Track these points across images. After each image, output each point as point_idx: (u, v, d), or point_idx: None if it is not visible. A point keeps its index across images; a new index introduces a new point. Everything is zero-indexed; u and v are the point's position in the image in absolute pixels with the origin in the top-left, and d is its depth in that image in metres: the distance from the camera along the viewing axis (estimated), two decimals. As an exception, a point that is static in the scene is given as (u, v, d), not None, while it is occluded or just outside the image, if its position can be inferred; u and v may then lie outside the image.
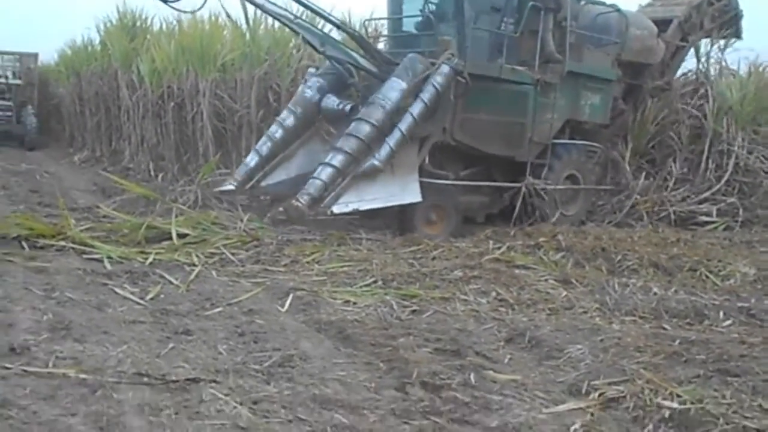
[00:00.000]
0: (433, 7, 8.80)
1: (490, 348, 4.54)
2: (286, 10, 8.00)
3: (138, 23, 15.92)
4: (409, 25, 9.35)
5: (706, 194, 9.72)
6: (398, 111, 7.60)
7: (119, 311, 4.78)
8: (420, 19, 9.03)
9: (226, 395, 3.46)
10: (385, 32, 10.30)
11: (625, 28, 9.65)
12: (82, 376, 3.46)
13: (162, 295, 5.26)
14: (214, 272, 6.04)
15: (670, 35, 10.41)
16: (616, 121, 10.15)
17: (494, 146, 8.56)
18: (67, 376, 3.45)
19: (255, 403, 3.46)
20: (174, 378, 3.60)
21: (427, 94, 7.69)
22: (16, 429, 2.86)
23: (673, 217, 9.25)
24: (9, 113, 18.53)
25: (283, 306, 5.22)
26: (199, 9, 7.72)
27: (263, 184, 8.50)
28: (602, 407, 3.66)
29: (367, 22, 10.44)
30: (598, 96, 9.57)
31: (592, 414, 3.56)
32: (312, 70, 9.16)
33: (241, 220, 7.48)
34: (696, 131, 10.41)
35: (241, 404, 3.39)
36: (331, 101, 8.43)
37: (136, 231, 6.84)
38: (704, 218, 9.39)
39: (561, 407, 3.65)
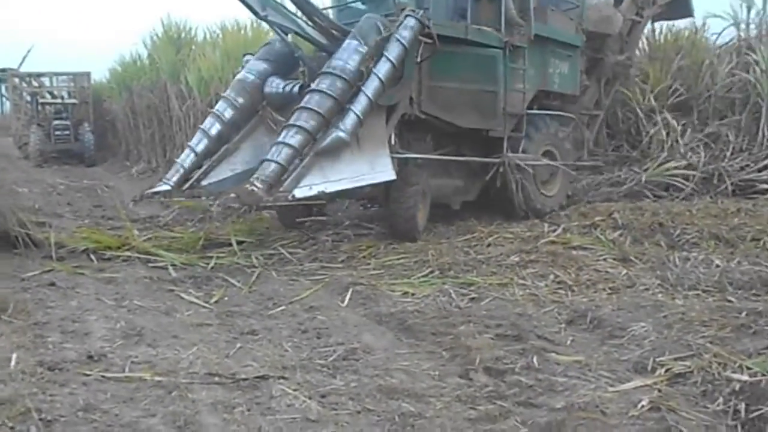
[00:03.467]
0: None
1: (551, 331, 4.54)
2: None
3: (183, 35, 16.34)
4: None
5: (766, 162, 9.39)
6: (358, 78, 6.58)
7: (186, 315, 4.94)
8: None
9: (294, 390, 3.56)
10: (327, 3, 9.09)
11: None
12: (158, 378, 3.60)
13: (226, 298, 5.42)
14: (274, 272, 6.17)
15: (626, 9, 10.01)
16: (582, 99, 9.64)
17: (467, 118, 7.59)
18: (143, 379, 3.59)
19: (323, 396, 3.54)
20: (244, 376, 3.71)
21: (392, 52, 6.67)
22: (101, 431, 3.01)
23: (731, 188, 8.92)
24: (67, 132, 19.21)
25: (343, 301, 5.31)
26: None
27: (204, 183, 7.44)
28: (669, 383, 3.63)
29: None
30: (567, 64, 8.96)
31: (659, 390, 3.53)
32: (248, 56, 8.13)
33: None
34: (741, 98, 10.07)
35: (309, 398, 3.48)
36: (275, 84, 7.50)
37: (196, 240, 7.05)
38: (765, 186, 9.09)
39: (627, 385, 3.63)
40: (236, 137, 7.55)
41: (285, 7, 7.00)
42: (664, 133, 9.71)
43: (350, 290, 5.51)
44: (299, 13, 7.29)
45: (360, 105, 6.46)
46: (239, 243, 6.94)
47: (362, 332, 4.61)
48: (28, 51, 20.99)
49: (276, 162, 6.22)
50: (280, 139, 6.38)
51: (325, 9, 7.74)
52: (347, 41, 6.67)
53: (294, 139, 6.33)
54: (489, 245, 6.71)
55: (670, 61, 10.52)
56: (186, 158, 7.48)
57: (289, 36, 7.34)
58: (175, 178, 7.32)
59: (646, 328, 4.40)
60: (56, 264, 5.96)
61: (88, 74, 20.85)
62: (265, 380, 3.68)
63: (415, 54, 6.86)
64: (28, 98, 20.56)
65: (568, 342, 4.35)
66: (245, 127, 7.61)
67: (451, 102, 7.38)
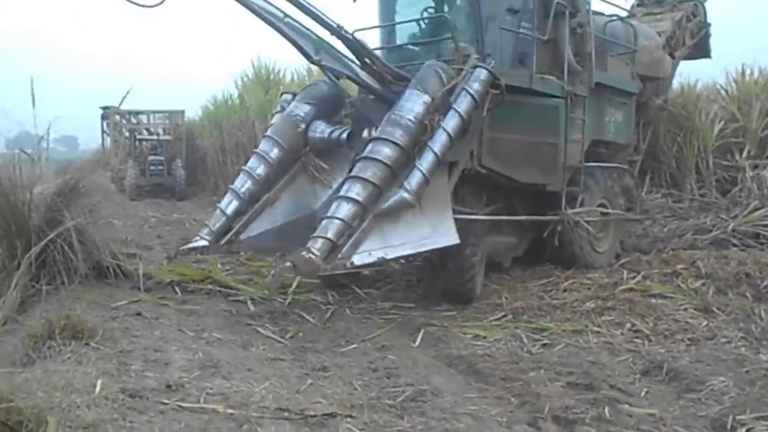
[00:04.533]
0: (435, 11, 7.42)
1: (625, 381, 4.44)
2: (273, 5, 6.01)
3: (272, 76, 17.00)
4: (404, 37, 7.86)
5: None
6: (421, 132, 5.99)
7: (262, 349, 5.08)
8: (418, 29, 7.67)
9: (361, 430, 3.61)
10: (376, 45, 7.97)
11: (634, 37, 8.73)
12: (230, 411, 3.72)
13: (300, 334, 5.54)
14: (347, 310, 6.28)
15: None
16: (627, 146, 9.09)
17: (527, 173, 7.03)
18: (216, 411, 3.72)
19: (389, 437, 3.58)
20: (312, 413, 3.79)
21: (462, 105, 6.05)
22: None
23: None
24: (161, 167, 20.15)
25: (414, 341, 5.35)
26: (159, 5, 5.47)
27: (243, 236, 6.76)
28: (748, 443, 3.49)
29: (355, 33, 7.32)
30: (621, 112, 8.49)
31: (737, 450, 3.40)
32: (287, 96, 7.60)
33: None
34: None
35: (375, 438, 3.52)
36: (321, 129, 6.95)
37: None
38: None
39: (703, 443, 3.52)
40: (277, 185, 6.93)
41: (338, 51, 6.48)
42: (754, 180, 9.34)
43: (422, 331, 5.54)
44: (351, 56, 6.72)
45: (426, 162, 5.84)
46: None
47: (432, 374, 4.63)
48: (127, 92, 22.15)
49: (339, 219, 5.59)
50: (342, 192, 5.76)
51: (374, 50, 6.98)
52: (408, 91, 6.13)
53: (358, 192, 5.70)
54: (565, 290, 6.62)
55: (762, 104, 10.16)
56: (229, 204, 6.83)
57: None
58: (215, 228, 6.70)
59: (727, 383, 4.25)
60: (143, 295, 6.24)
61: (182, 112, 21.86)
62: (333, 418, 3.75)
63: (484, 106, 6.29)
64: (127, 134, 21.73)
65: (643, 394, 4.24)
66: (287, 175, 6.99)
67: (511, 155, 6.85)
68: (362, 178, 5.74)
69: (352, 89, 7.62)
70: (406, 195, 5.73)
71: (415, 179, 5.78)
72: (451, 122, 5.99)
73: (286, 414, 3.75)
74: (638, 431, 3.69)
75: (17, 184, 6.22)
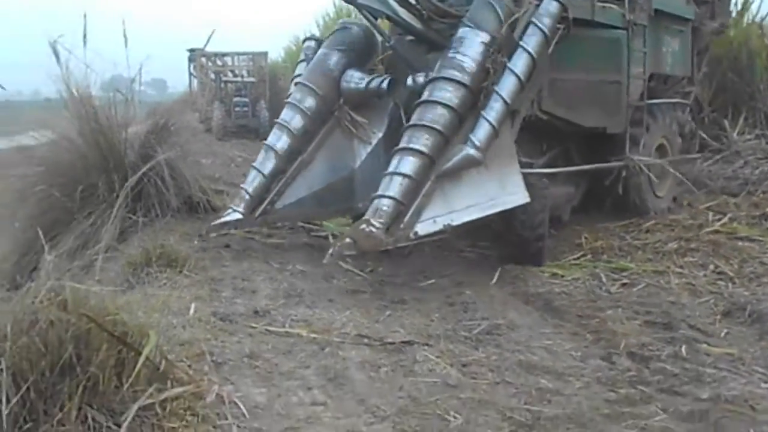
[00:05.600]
0: None
1: (705, 322, 4.40)
2: None
3: (353, 15, 16.92)
4: None
5: None
6: (482, 78, 5.23)
7: (343, 282, 5.27)
8: None
9: (437, 357, 3.75)
10: None
11: None
12: (313, 335, 3.94)
13: (380, 268, 5.69)
14: (425, 247, 6.37)
15: None
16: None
17: (590, 116, 6.30)
18: (300, 335, 3.95)
19: (464, 365, 3.71)
20: (390, 340, 3.96)
21: (531, 42, 5.31)
22: (262, 377, 3.37)
23: None
24: (246, 108, 20.58)
25: (491, 279, 5.41)
26: None
27: (279, 205, 6.07)
28: (832, 385, 3.43)
29: None
30: (678, 40, 7.60)
31: (819, 391, 3.36)
32: (310, 42, 6.84)
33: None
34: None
35: (451, 366, 3.66)
36: (356, 78, 6.16)
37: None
38: None
39: (783, 383, 3.48)
40: (311, 144, 6.17)
41: None
42: None
43: (499, 269, 5.58)
44: None
45: (494, 112, 5.13)
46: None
47: (508, 309, 4.71)
48: (212, 32, 22.51)
49: (390, 197, 4.93)
50: (391, 168, 5.07)
51: None
52: (462, 29, 5.37)
53: (409, 166, 5.01)
54: (647, 231, 6.49)
55: None
56: (265, 162, 6.10)
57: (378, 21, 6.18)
58: (243, 204, 5.96)
59: (813, 325, 4.14)
60: (231, 228, 6.53)
61: (265, 54, 22.09)
62: (410, 345, 3.91)
63: (552, 43, 5.55)
64: (213, 77, 22.22)
65: (722, 334, 4.20)
66: (320, 133, 6.22)
67: (573, 97, 6.08)
68: (412, 149, 5.04)
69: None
70: (472, 151, 5.02)
71: (482, 131, 5.08)
72: (519, 63, 5.27)
73: (365, 340, 3.94)
74: (716, 369, 3.66)
75: (114, 124, 6.57)
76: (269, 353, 3.66)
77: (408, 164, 5.01)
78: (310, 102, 6.12)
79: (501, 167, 5.23)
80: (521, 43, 5.32)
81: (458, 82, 5.16)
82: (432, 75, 5.33)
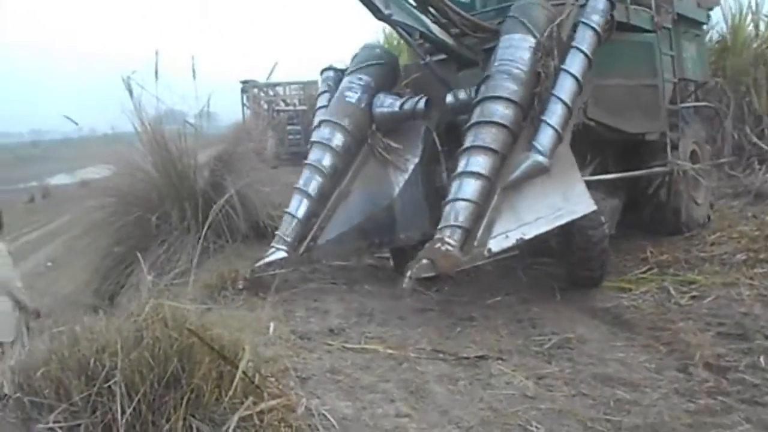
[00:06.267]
0: None
1: (781, 332, 4.34)
2: None
3: (400, 42, 17.16)
4: None
5: None
6: (535, 84, 5.08)
7: (410, 301, 5.36)
8: None
9: (512, 371, 3.82)
10: None
11: None
12: (389, 351, 4.06)
13: (446, 287, 5.72)
14: (488, 265, 6.42)
15: None
16: None
17: (633, 122, 6.07)
18: (376, 351, 4.07)
19: (539, 378, 3.76)
20: (465, 355, 4.04)
21: (585, 41, 5.16)
22: (345, 391, 3.49)
23: None
24: (298, 136, 21.02)
25: (556, 295, 5.43)
26: None
27: (321, 241, 5.77)
28: None
29: None
30: (694, 46, 7.40)
31: None
32: (329, 73, 6.62)
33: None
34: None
35: (526, 378, 3.72)
36: (387, 102, 5.95)
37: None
38: None
39: None
40: (347, 176, 5.92)
41: (409, 3, 5.41)
42: None
43: (563, 285, 5.60)
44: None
45: (555, 115, 4.96)
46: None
47: (576, 324, 4.73)
48: (274, 66, 23.13)
49: (466, 200, 4.78)
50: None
51: None
52: (507, 36, 5.21)
53: (480, 164, 4.86)
54: (712, 244, 6.42)
55: None
56: (298, 206, 5.82)
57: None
58: (289, 239, 5.70)
59: None
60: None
61: (315, 82, 22.54)
62: (485, 360, 3.99)
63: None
64: (265, 106, 22.76)
65: (801, 345, 4.14)
66: (355, 162, 5.99)
67: (615, 103, 5.83)
68: (482, 147, 4.87)
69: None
70: (540, 158, 4.84)
71: (546, 137, 4.90)
72: (575, 63, 5.10)
73: (440, 355, 4.04)
74: (796, 380, 3.63)
75: (184, 155, 6.87)
76: (349, 368, 3.79)
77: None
78: (339, 138, 5.89)
79: (563, 176, 4.97)
80: (574, 43, 5.17)
81: (508, 99, 4.98)
82: (483, 90, 5.14)
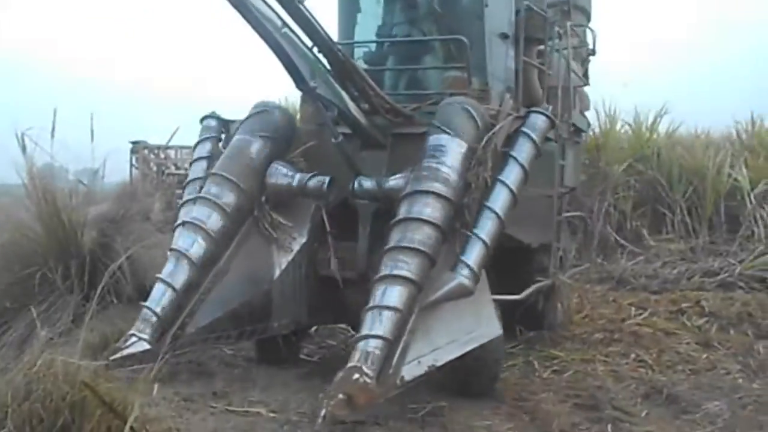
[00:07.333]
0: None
1: (627, 404, 4.86)
2: (274, 10, 4.39)
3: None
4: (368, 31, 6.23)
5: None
6: (462, 194, 4.57)
7: (295, 369, 5.51)
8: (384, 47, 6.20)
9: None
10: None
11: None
12: (271, 414, 4.22)
13: (327, 356, 5.98)
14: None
15: None
16: None
17: (530, 232, 5.74)
18: (259, 414, 4.23)
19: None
20: (344, 420, 4.23)
21: (523, 153, 4.82)
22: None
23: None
24: (187, 200, 20.79)
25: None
26: None
27: (190, 329, 4.70)
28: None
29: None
30: (572, 152, 7.16)
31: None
32: (210, 121, 5.87)
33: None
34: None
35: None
36: (284, 173, 5.23)
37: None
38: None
39: (696, 458, 3.91)
40: (227, 252, 5.04)
41: (332, 76, 4.94)
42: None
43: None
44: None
45: (486, 229, 4.50)
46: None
47: (450, 393, 5.02)
48: (176, 130, 22.68)
49: (379, 337, 4.02)
50: (376, 301, 4.16)
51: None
52: (435, 136, 4.70)
53: (396, 297, 4.16)
54: (575, 324, 7.01)
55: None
56: (173, 273, 4.80)
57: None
58: (148, 330, 4.60)
59: (720, 407, 4.66)
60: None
61: (208, 148, 22.57)
62: (362, 425, 4.22)
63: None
64: (155, 168, 22.42)
65: (643, 415, 4.65)
66: (237, 237, 5.12)
67: (516, 213, 4.96)
68: (398, 277, 4.20)
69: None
70: (466, 281, 4.34)
71: (475, 253, 4.42)
72: (511, 175, 4.72)
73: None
74: (638, 447, 4.09)
75: (72, 209, 6.78)
76: (232, 431, 3.90)
77: (394, 295, 4.17)
78: (231, 198, 5.02)
79: (477, 294, 4.47)
80: (512, 153, 4.81)
81: (442, 196, 4.45)
82: (410, 186, 4.59)
